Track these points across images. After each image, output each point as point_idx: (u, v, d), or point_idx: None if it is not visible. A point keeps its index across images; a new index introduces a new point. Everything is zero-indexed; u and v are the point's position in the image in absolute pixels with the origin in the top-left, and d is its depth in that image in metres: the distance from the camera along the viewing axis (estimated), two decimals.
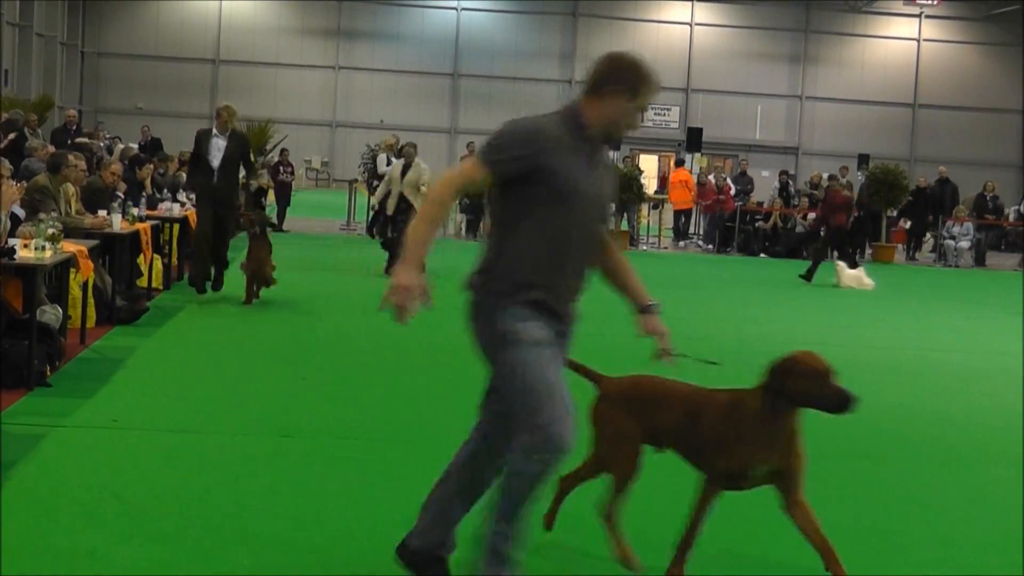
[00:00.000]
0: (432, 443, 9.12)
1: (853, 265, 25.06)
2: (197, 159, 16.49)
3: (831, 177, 28.23)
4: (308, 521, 7.02)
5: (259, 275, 16.39)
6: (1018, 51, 62.62)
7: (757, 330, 17.29)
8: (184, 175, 21.58)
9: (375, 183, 30.21)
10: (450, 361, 13.18)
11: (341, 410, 10.23)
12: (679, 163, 39.30)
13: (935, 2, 56.79)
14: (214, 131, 16.29)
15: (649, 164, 58.30)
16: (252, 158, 18.86)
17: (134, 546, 6.43)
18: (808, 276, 25.03)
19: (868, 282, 24.25)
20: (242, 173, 17.68)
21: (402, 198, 20.97)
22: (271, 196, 32.84)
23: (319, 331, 14.77)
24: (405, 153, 21.79)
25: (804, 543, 6.09)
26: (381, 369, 12.45)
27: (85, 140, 26.01)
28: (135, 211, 16.07)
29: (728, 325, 17.69)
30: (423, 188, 20.91)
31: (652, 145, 61.37)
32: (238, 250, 18.61)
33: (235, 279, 17.00)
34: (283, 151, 34.69)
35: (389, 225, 21.38)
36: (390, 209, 21.24)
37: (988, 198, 35.82)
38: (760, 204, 36.11)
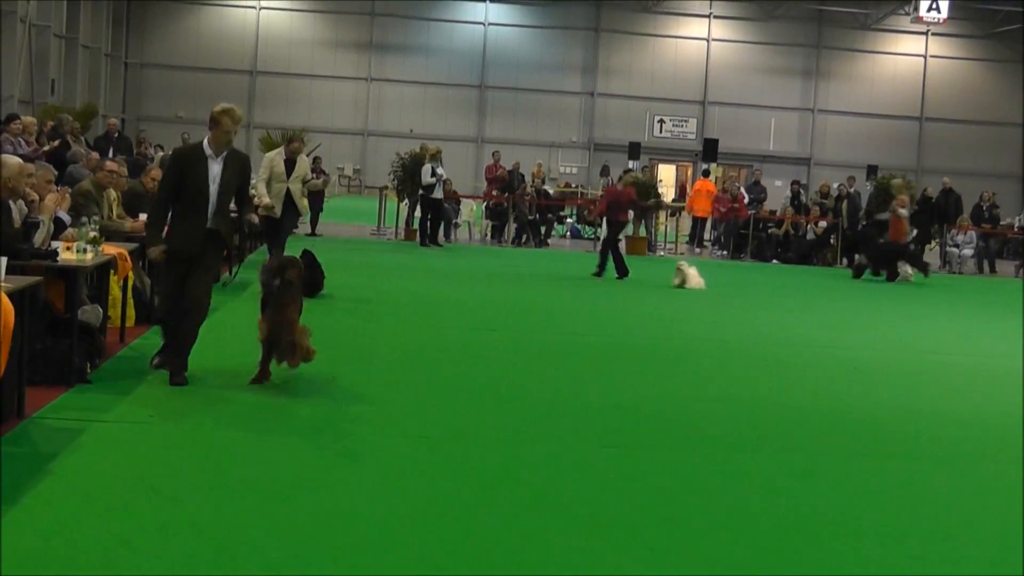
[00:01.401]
0: (453, 441, 9.13)
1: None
2: (176, 192, 10.68)
3: (626, 172, 26.86)
4: (334, 514, 7.02)
5: (281, 342, 10.81)
6: (1020, 67, 62.45)
7: (773, 331, 17.25)
8: None
9: (420, 192, 29.98)
10: (470, 361, 13.20)
11: (367, 408, 10.21)
12: (705, 173, 39.17)
13: (941, 20, 56.58)
14: (207, 150, 10.69)
15: (667, 173, 58.29)
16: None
17: (168, 536, 6.43)
18: (600, 272, 23.69)
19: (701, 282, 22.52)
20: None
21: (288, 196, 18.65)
22: (304, 202, 32.85)
23: (349, 331, 14.73)
24: (293, 149, 19.02)
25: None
26: (406, 368, 12.44)
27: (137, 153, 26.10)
28: None
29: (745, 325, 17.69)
30: (307, 183, 19.26)
31: (670, 155, 61.35)
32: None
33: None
34: (316, 159, 34.68)
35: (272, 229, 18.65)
36: (278, 210, 18.55)
37: (985, 207, 35.68)
38: (773, 212, 36.02)
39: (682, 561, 6.65)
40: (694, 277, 22.43)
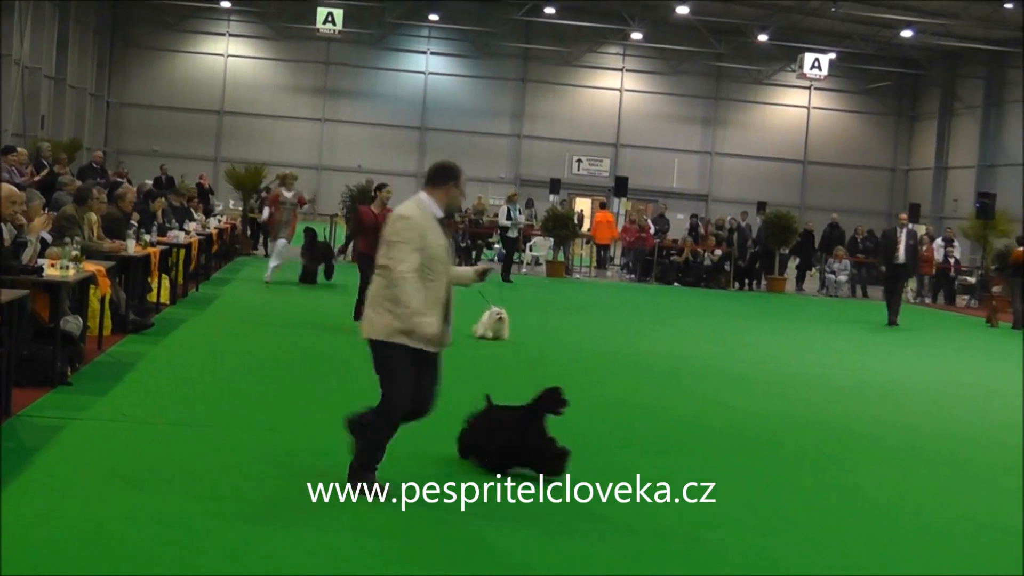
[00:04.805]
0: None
1: None
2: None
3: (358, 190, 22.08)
4: (289, 504, 7.00)
5: None
6: (890, 119, 63.78)
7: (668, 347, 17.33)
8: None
9: (505, 233, 29.34)
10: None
11: (317, 409, 10.18)
12: (602, 206, 39.33)
13: (822, 77, 57.08)
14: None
15: (584, 206, 58.46)
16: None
17: (137, 522, 6.41)
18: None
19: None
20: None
21: None
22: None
23: (300, 341, 14.69)
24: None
25: None
26: (348, 374, 12.40)
27: (118, 180, 25.69)
28: (147, 237, 15.97)
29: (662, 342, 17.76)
30: None
31: (587, 190, 61.54)
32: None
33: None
34: (267, 189, 34.29)
35: None
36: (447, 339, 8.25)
37: (859, 240, 36.08)
38: (675, 241, 36.18)
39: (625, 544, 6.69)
40: (505, 328, 16.80)
